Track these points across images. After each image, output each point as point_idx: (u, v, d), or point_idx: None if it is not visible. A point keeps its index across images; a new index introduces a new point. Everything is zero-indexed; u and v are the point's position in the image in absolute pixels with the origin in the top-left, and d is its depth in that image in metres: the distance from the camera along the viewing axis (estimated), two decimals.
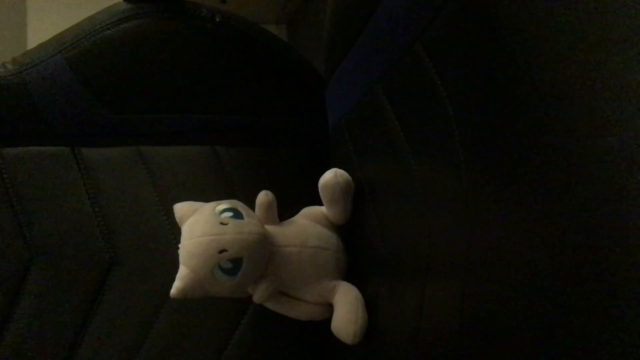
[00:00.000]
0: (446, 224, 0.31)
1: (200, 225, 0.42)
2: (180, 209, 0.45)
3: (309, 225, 0.49)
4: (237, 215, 0.43)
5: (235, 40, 0.64)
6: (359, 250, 0.49)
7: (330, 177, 0.47)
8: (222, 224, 0.42)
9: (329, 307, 0.47)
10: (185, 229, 0.44)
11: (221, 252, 0.41)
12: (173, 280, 0.42)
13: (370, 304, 0.44)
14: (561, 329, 0.20)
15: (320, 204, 0.50)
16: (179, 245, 0.43)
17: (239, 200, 0.46)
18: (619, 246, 0.17)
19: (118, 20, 0.61)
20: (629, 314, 0.17)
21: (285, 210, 0.50)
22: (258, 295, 0.45)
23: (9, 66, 0.63)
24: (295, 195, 0.53)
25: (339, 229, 0.51)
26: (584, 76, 0.19)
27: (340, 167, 0.48)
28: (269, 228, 0.46)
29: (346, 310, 0.44)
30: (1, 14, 1.42)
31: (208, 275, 0.41)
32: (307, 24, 1.43)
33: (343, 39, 0.49)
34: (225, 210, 0.44)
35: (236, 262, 0.42)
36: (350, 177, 0.48)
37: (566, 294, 0.20)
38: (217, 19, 0.63)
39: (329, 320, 0.46)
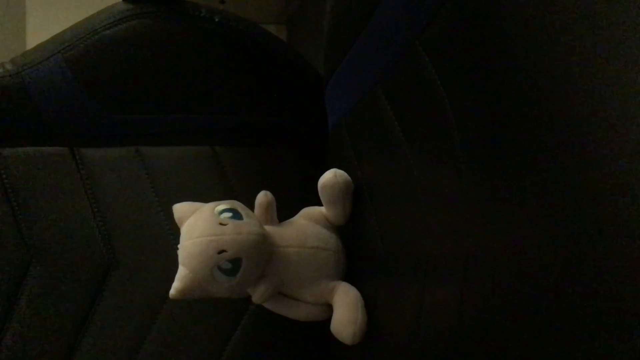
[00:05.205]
0: (446, 224, 0.31)
1: (200, 226, 0.42)
2: (180, 209, 0.45)
3: (309, 226, 0.49)
4: (237, 215, 0.43)
5: (235, 41, 0.64)
6: (358, 251, 0.49)
7: (330, 177, 0.47)
8: (221, 224, 0.42)
9: (329, 308, 0.47)
10: (184, 230, 0.44)
11: (220, 252, 0.41)
12: (172, 280, 0.42)
13: (370, 304, 0.44)
14: (561, 329, 0.20)
15: (320, 204, 0.50)
16: (178, 246, 0.43)
17: (239, 200, 0.46)
18: (620, 247, 0.17)
19: (117, 20, 0.61)
20: (629, 314, 0.17)
21: (285, 210, 0.50)
22: (257, 295, 0.45)
23: (8, 66, 0.63)
24: (294, 196, 0.53)
25: (338, 229, 0.51)
26: (585, 75, 0.19)
27: (339, 168, 0.48)
28: (269, 228, 0.46)
29: (346, 310, 0.44)
30: (1, 14, 1.42)
31: (207, 275, 0.41)
32: (306, 24, 1.43)
33: (342, 39, 0.49)
34: (224, 210, 0.44)
35: (235, 263, 0.42)
36: (349, 178, 0.48)
37: (566, 294, 0.20)
38: (216, 19, 0.63)
39: (328, 320, 0.46)
